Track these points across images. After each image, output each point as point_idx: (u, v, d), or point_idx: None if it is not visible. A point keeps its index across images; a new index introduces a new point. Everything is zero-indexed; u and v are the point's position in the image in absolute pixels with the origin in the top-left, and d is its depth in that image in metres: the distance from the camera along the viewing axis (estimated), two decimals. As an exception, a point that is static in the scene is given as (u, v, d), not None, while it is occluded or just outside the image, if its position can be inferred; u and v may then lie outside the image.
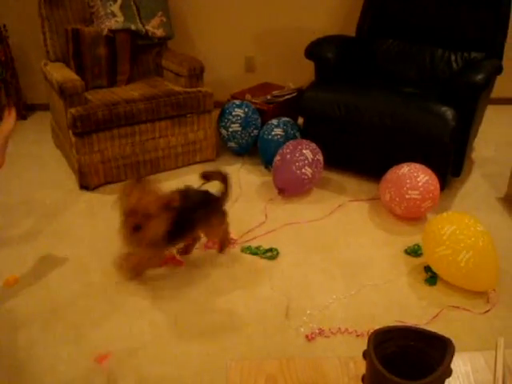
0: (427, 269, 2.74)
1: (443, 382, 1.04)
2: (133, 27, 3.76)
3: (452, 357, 1.02)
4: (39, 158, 3.90)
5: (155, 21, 3.91)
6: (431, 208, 3.07)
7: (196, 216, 2.59)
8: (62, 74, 3.38)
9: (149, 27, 3.85)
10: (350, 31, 4.04)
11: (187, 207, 2.47)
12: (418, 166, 3.06)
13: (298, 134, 3.64)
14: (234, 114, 3.68)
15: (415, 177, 2.98)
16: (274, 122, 3.62)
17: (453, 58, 3.73)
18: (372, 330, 1.08)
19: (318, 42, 3.67)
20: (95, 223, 3.12)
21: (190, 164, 3.76)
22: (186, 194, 2.55)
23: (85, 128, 3.25)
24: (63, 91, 3.22)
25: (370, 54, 3.93)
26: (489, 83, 3.25)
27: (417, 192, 2.96)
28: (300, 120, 3.85)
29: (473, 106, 3.22)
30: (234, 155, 3.92)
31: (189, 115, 3.58)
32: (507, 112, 4.73)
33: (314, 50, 3.60)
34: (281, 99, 3.89)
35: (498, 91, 4.62)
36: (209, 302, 2.52)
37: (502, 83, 4.40)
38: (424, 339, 1.09)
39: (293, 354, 2.25)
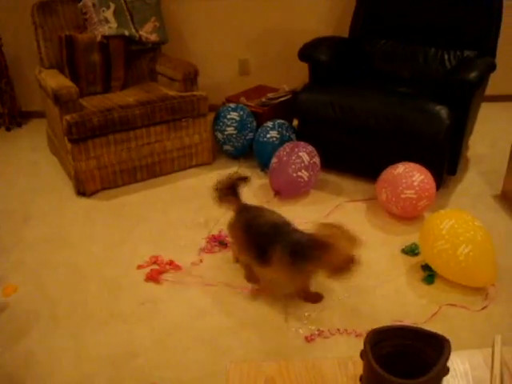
0: (425, 267, 2.75)
1: (440, 380, 1.05)
2: (126, 33, 3.77)
3: (448, 355, 1.03)
4: (35, 164, 3.91)
5: (149, 26, 3.92)
6: (428, 207, 3.08)
7: None
8: (56, 81, 3.38)
9: (142, 32, 3.86)
10: (344, 32, 4.06)
11: None
12: (413, 165, 3.07)
13: (293, 136, 3.65)
14: (229, 117, 3.68)
15: (410, 176, 2.99)
16: (269, 124, 3.63)
17: (446, 56, 3.74)
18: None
19: (312, 43, 3.68)
20: (93, 230, 3.13)
21: (186, 168, 3.76)
22: None
23: (80, 134, 3.25)
24: (58, 98, 3.22)
25: (364, 55, 3.94)
26: (482, 81, 3.26)
27: (412, 191, 2.96)
28: (295, 122, 3.86)
29: (467, 104, 3.22)
30: (230, 158, 3.92)
31: (184, 119, 3.59)
32: (502, 109, 4.74)
33: (308, 52, 3.61)
34: (275, 101, 3.90)
35: (492, 88, 4.64)
36: (207, 305, 2.53)
37: (496, 80, 4.42)
38: (421, 338, 1.09)
39: (292, 355, 2.26)
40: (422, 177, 3.01)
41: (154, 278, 2.71)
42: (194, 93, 3.63)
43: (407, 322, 2.39)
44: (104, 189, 3.50)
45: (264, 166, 3.63)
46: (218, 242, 2.96)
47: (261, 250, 2.40)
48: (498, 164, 3.74)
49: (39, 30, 3.63)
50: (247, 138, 3.74)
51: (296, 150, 3.30)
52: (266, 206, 3.26)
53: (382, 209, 3.24)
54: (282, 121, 3.68)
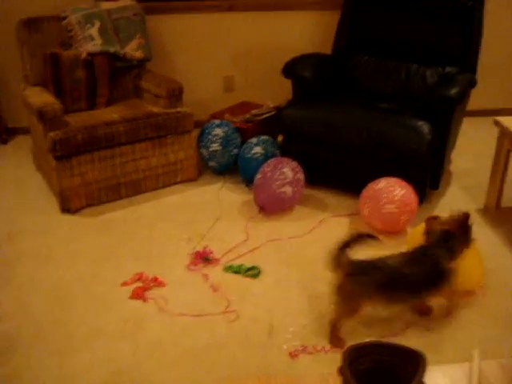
0: (408, 282, 2.77)
1: (417, 395, 1.06)
2: (111, 50, 3.79)
3: (423, 371, 1.04)
4: (20, 181, 3.89)
5: (134, 43, 3.94)
6: (410, 221, 3.10)
7: None
8: (40, 98, 3.39)
9: (127, 49, 3.88)
10: (327, 49, 4.10)
11: None
12: (394, 180, 3.10)
13: (277, 152, 3.67)
14: (213, 133, 3.70)
15: (391, 191, 3.02)
16: (254, 140, 3.65)
17: (428, 73, 3.79)
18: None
19: (295, 60, 3.72)
20: (77, 247, 3.12)
21: (171, 184, 3.77)
22: None
23: (65, 151, 3.26)
24: (42, 115, 3.23)
25: (347, 71, 3.99)
26: (463, 97, 3.31)
27: (393, 206, 2.99)
28: (280, 138, 3.88)
29: (448, 119, 3.27)
30: (215, 174, 3.93)
31: (169, 136, 3.60)
32: (483, 124, 4.77)
33: (291, 69, 3.64)
34: (260, 118, 3.93)
35: (474, 103, 4.70)
36: (191, 322, 2.53)
37: (478, 95, 4.47)
38: (398, 354, 1.11)
39: (276, 371, 2.26)
40: (404, 191, 3.04)
41: (138, 295, 2.71)
42: (179, 109, 3.65)
43: (389, 336, 2.41)
44: (89, 205, 3.50)
45: (248, 181, 3.65)
46: (203, 259, 2.96)
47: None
48: (481, 178, 3.77)
49: (24, 46, 3.64)
50: (232, 154, 3.75)
51: (280, 165, 3.32)
52: (250, 222, 3.30)
53: (366, 224, 3.26)
54: (266, 137, 3.70)
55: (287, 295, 2.71)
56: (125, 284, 2.80)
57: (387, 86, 3.86)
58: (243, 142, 3.77)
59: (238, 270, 2.87)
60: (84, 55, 3.67)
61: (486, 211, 3.44)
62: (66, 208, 3.43)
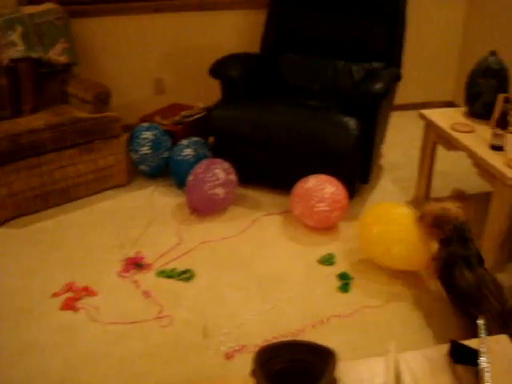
0: (341, 276, 2.80)
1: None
2: (34, 55, 3.69)
3: (333, 367, 1.05)
4: None
5: (58, 48, 3.85)
6: (341, 217, 3.14)
7: None
8: (-40, 107, 3.28)
9: (51, 54, 3.79)
10: (256, 48, 4.11)
11: None
12: (324, 177, 3.13)
13: (208, 154, 3.66)
14: (142, 137, 3.65)
15: (321, 189, 3.05)
16: (185, 142, 3.62)
17: (355, 69, 3.85)
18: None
19: (223, 60, 3.71)
20: (5, 260, 3.02)
21: (101, 191, 3.70)
22: None
23: (-12, 162, 3.16)
24: (-38, 126, 3.12)
25: (275, 70, 4.00)
26: (388, 92, 3.37)
27: (324, 204, 3.02)
28: (212, 139, 3.86)
29: (374, 114, 3.32)
30: (147, 178, 3.88)
31: (97, 141, 3.54)
32: (413, 117, 4.90)
33: (219, 69, 3.63)
34: (190, 119, 3.90)
35: (403, 98, 4.82)
36: (123, 331, 2.49)
37: (406, 90, 4.58)
38: (310, 352, 1.11)
39: (212, 374, 2.25)
40: (334, 189, 3.07)
41: (69, 305, 2.65)
42: (106, 114, 3.58)
43: (325, 331, 2.43)
44: (17, 216, 3.40)
45: (181, 184, 3.62)
46: (135, 265, 2.92)
47: None
48: (410, 171, 3.86)
49: None
50: (163, 157, 3.71)
51: (212, 167, 3.30)
52: (183, 225, 3.28)
53: (298, 221, 3.29)
54: (197, 138, 3.68)
55: (221, 296, 2.70)
56: (55, 295, 2.73)
57: (315, 83, 3.90)
58: (174, 144, 3.73)
59: (170, 275, 2.84)
60: (6, 62, 3.56)
61: (415, 202, 3.51)
62: (-7, 220, 3.33)
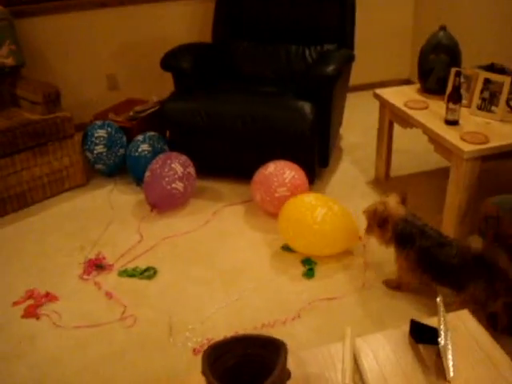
0: (305, 262, 2.79)
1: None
2: (-21, 59, 3.59)
3: (285, 359, 1.03)
4: None
5: (3, 50, 3.74)
6: (302, 202, 3.12)
7: None
8: None
9: (-3, 57, 3.69)
10: (208, 37, 4.05)
11: None
12: (283, 163, 3.11)
13: (165, 148, 3.60)
14: (96, 135, 3.57)
15: (281, 174, 3.03)
16: (140, 138, 3.56)
17: (307, 52, 3.83)
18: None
19: (173, 52, 3.64)
20: (-39, 271, 2.95)
21: (59, 193, 3.61)
22: None
23: None
24: None
25: (228, 59, 3.96)
26: (341, 73, 3.35)
27: (285, 189, 3.00)
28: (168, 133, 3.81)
29: (328, 97, 3.30)
30: (104, 177, 3.80)
31: (50, 143, 3.45)
32: (370, 97, 4.90)
33: (169, 62, 3.57)
34: (144, 114, 3.83)
35: (359, 78, 4.80)
36: (87, 334, 2.44)
37: (362, 70, 4.57)
38: (260, 345, 1.09)
39: (181, 370, 2.22)
40: (293, 173, 3.05)
41: (31, 313, 2.59)
42: (57, 114, 3.49)
43: (290, 319, 2.41)
44: (-28, 225, 3.32)
45: (139, 180, 3.55)
46: (96, 266, 2.86)
47: None
48: (370, 151, 3.85)
49: None
50: (118, 154, 3.64)
51: (169, 161, 3.25)
52: (143, 222, 3.23)
53: (260, 209, 3.26)
54: (152, 133, 3.61)
55: (185, 292, 2.66)
56: (16, 303, 2.67)
57: (269, 69, 3.87)
58: (129, 140, 3.66)
59: (132, 273, 2.79)
60: (-51, 67, 3.46)
61: (376, 182, 3.52)
62: None
